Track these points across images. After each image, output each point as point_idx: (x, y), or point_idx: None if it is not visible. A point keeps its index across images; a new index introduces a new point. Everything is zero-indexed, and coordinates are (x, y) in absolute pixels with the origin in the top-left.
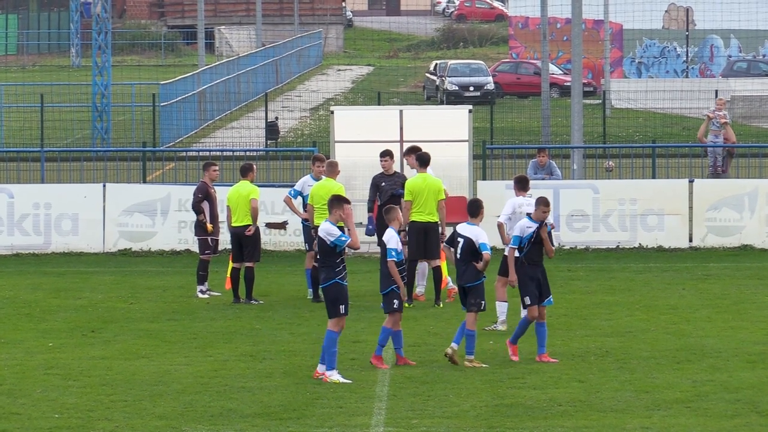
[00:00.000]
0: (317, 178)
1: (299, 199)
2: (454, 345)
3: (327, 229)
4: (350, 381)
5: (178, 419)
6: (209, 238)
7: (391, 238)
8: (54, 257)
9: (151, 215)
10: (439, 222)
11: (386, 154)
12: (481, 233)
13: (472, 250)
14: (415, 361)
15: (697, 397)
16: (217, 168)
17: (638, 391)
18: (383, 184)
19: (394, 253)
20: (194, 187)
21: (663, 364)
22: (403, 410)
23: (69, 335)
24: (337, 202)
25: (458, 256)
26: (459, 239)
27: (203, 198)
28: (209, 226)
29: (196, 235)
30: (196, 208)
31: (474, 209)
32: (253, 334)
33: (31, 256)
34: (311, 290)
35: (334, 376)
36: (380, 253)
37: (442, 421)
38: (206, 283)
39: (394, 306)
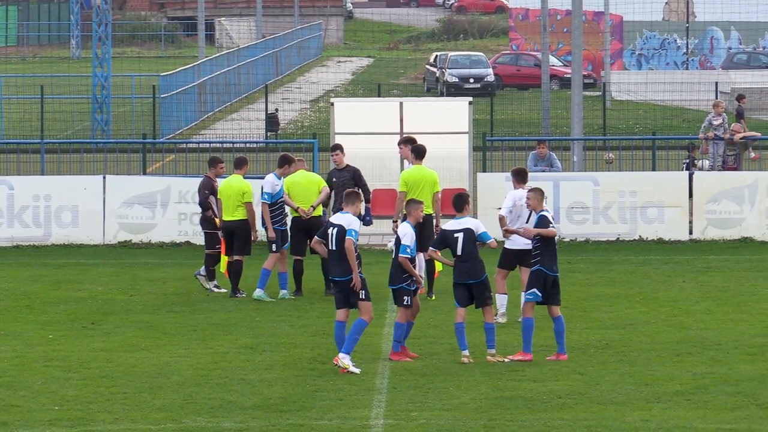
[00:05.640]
0: (281, 177)
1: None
2: (491, 351)
3: (349, 221)
4: (358, 371)
5: (178, 411)
6: (219, 233)
7: (406, 235)
8: (54, 249)
9: (151, 207)
10: (434, 214)
11: (336, 148)
12: (479, 223)
13: (473, 242)
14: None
15: (697, 390)
16: (224, 165)
17: (638, 384)
18: (334, 179)
19: (408, 250)
20: (194, 179)
21: (663, 356)
22: (402, 402)
23: (69, 327)
24: (356, 195)
25: (460, 252)
26: (456, 235)
27: (210, 193)
28: (218, 221)
29: (204, 229)
30: (203, 204)
31: (460, 204)
32: (253, 327)
33: (31, 248)
34: (285, 291)
35: (347, 360)
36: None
37: (442, 413)
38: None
39: (405, 302)
